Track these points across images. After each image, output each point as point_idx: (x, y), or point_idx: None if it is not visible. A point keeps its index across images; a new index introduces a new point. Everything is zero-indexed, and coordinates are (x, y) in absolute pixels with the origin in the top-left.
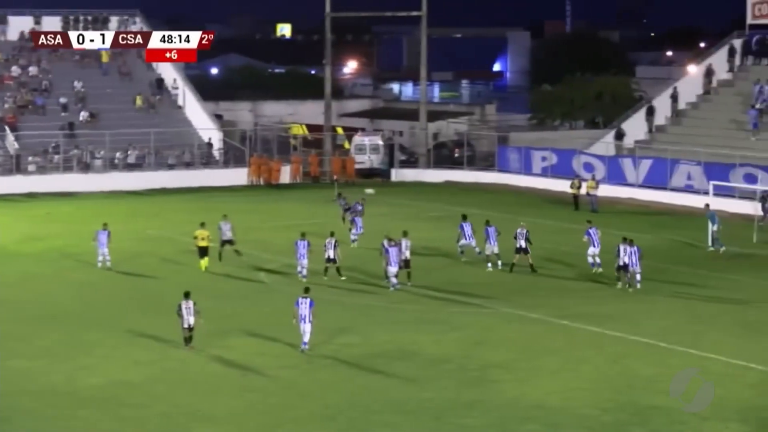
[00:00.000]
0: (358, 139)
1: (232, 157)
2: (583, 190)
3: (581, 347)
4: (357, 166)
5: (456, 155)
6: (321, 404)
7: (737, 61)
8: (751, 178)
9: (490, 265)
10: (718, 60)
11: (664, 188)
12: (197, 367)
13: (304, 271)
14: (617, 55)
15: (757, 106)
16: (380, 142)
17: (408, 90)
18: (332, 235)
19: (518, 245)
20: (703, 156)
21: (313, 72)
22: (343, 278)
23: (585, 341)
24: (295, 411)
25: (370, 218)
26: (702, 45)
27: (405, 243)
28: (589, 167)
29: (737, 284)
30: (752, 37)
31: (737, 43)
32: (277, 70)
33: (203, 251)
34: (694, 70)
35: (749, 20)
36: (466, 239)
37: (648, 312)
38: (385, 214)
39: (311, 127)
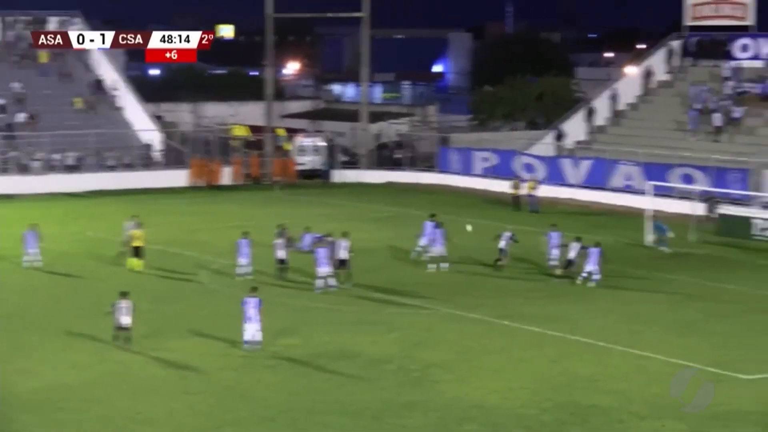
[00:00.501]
0: (299, 140)
1: (172, 158)
2: (523, 191)
3: (521, 347)
4: (298, 168)
5: (397, 156)
6: (261, 405)
7: (675, 62)
8: (688, 179)
9: (431, 265)
10: (657, 61)
11: (604, 188)
12: (136, 370)
13: (249, 269)
14: (557, 57)
15: (696, 107)
16: (322, 143)
17: (349, 91)
18: (281, 235)
19: (500, 247)
20: (642, 156)
21: (254, 73)
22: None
23: (525, 341)
24: (236, 412)
25: (309, 219)
26: (640, 46)
27: (343, 243)
28: (529, 168)
29: (675, 284)
30: (690, 38)
31: (675, 44)
32: (218, 72)
33: (136, 251)
34: (633, 71)
35: (687, 21)
36: (425, 237)
37: (587, 312)
38: (326, 215)
39: (252, 129)
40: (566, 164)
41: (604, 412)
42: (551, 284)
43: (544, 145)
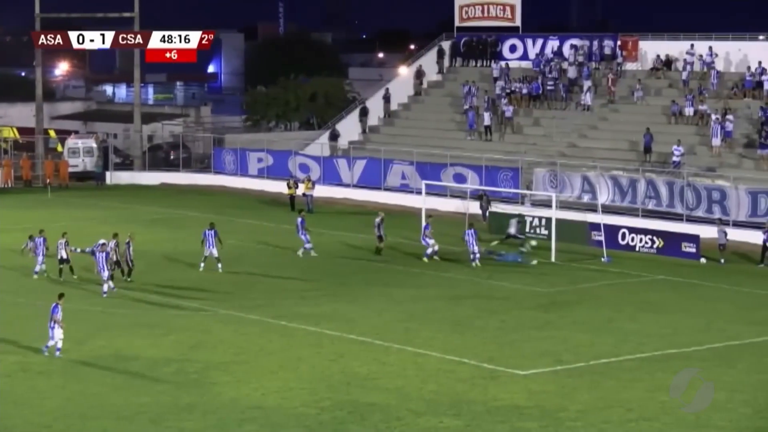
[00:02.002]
0: (71, 141)
1: None
2: (299, 191)
3: (299, 347)
4: (71, 170)
5: (171, 157)
6: (36, 412)
7: (446, 62)
8: (460, 178)
9: (202, 265)
10: (428, 62)
11: (379, 188)
12: None
13: (43, 267)
14: (330, 57)
15: (466, 106)
16: (94, 145)
17: (122, 92)
18: (63, 236)
19: (378, 234)
20: (416, 156)
21: (23, 74)
22: (75, 277)
23: (303, 341)
24: (9, 420)
25: (80, 222)
26: (412, 47)
27: (111, 244)
28: (304, 168)
29: (449, 281)
30: (460, 39)
31: (446, 45)
32: None
33: None
34: (405, 71)
35: (457, 23)
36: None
37: (363, 311)
38: (100, 217)
39: (23, 130)
40: (341, 164)
41: (383, 410)
42: (326, 284)
43: (319, 145)
